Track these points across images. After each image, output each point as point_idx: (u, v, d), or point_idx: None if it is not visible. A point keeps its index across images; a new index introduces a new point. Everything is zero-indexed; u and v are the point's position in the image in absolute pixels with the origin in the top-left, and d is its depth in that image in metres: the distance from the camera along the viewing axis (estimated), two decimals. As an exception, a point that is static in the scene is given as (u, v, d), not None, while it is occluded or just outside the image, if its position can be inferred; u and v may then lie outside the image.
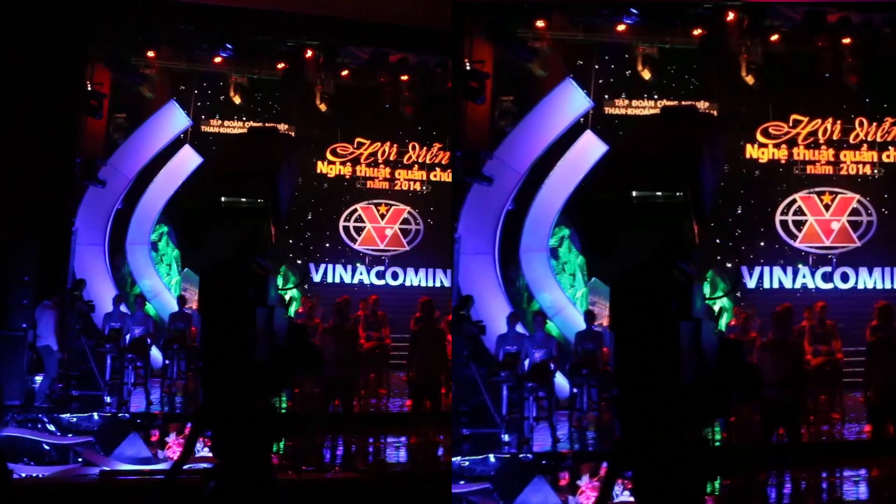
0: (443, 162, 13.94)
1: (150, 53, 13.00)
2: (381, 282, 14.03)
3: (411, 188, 14.15)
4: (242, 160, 5.61)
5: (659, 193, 4.58)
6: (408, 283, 14.07)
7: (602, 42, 11.82)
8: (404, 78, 13.25)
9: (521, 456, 9.45)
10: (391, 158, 14.11)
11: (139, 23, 12.19)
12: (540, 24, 11.37)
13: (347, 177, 14.18)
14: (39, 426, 10.49)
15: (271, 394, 5.82)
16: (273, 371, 5.24)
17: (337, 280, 14.11)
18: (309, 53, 12.95)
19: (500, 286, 11.55)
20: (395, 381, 13.06)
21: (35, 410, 10.70)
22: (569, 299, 12.00)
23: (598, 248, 4.59)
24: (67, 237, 12.06)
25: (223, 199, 5.31)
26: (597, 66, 11.97)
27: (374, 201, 14.17)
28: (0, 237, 10.96)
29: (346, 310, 11.54)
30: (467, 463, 9.42)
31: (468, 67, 10.79)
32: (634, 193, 4.54)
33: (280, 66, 13.24)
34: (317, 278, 14.09)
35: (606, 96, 12.02)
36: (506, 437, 9.96)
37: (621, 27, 11.50)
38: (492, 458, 9.43)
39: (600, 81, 11.99)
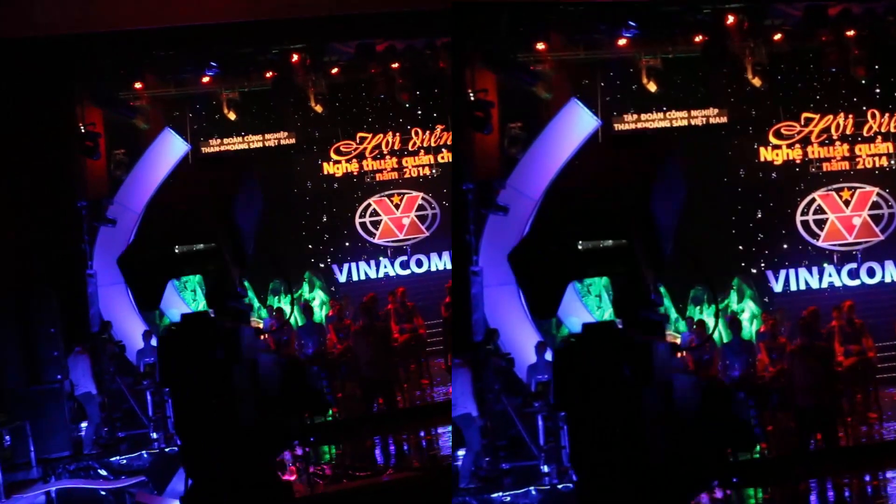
0: (448, 143, 13.65)
1: (138, 85, 12.75)
2: (407, 271, 13.84)
3: (421, 174, 13.93)
4: (191, 199, 5.20)
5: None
6: (433, 269, 13.89)
7: (605, 58, 11.58)
8: (395, 66, 12.96)
9: (560, 486, 9.37)
10: (395, 148, 13.87)
11: (120, 56, 11.95)
12: (540, 46, 11.15)
13: (355, 173, 13.97)
14: (92, 473, 10.41)
15: (277, 452, 5.44)
16: (271, 428, 4.90)
17: (362, 277, 13.93)
18: (295, 57, 12.67)
19: (527, 315, 11.17)
20: (435, 369, 12.88)
21: (85, 458, 10.59)
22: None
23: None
24: (85, 281, 11.88)
25: (176, 248, 4.89)
26: (602, 84, 11.76)
27: (386, 193, 13.96)
28: (18, 291, 10.80)
29: (374, 308, 11.32)
30: (509, 498, 9.36)
31: (472, 98, 10.56)
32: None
33: (268, 74, 12.95)
34: (342, 279, 13.90)
35: (615, 113, 11.83)
36: (545, 468, 9.79)
37: (622, 41, 11.23)
38: (533, 490, 9.40)
39: (607, 98, 11.77)
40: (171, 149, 13.11)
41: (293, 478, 9.94)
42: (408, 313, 12.31)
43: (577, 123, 11.49)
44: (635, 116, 11.91)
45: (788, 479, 9.36)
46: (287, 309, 12.76)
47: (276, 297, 13.74)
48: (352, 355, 11.96)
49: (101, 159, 12.59)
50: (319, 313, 13.45)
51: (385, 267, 13.95)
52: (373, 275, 13.89)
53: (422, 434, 11.32)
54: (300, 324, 12.38)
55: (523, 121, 11.31)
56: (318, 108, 13.58)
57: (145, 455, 10.33)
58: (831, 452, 9.43)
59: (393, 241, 13.87)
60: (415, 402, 12.00)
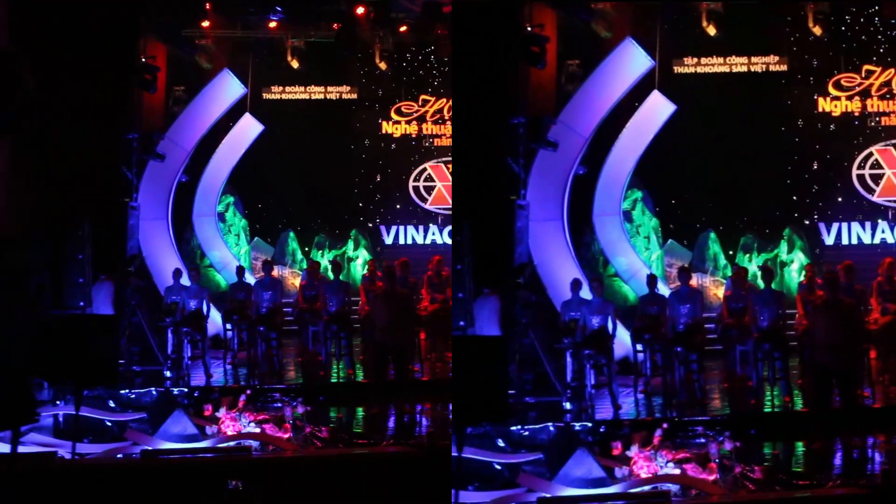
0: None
1: (205, 23, 12.53)
2: (453, 241, 13.41)
3: (480, 143, 13.42)
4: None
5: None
6: (482, 242, 13.41)
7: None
8: (461, 29, 12.35)
9: (579, 425, 9.06)
10: (458, 114, 13.34)
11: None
12: None
13: (414, 136, 13.59)
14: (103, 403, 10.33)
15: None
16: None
17: (409, 241, 13.61)
18: (360, 10, 12.23)
19: (571, 251, 11.13)
20: (464, 343, 12.41)
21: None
22: (644, 262, 11.58)
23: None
24: (122, 213, 11.80)
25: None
26: (663, 26, 11.48)
27: (443, 159, 13.53)
28: (53, 217, 10.75)
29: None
30: (527, 432, 9.06)
31: (528, 31, 10.26)
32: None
33: (335, 26, 12.58)
34: (388, 240, 13.57)
35: (675, 55, 11.59)
36: (567, 406, 9.65)
37: None
38: (551, 427, 9.08)
39: (667, 40, 11.50)
40: (228, 90, 12.92)
41: (287, 435, 9.69)
42: (441, 283, 11.86)
43: (631, 63, 11.29)
44: (695, 60, 11.70)
45: (805, 435, 9.01)
46: (324, 263, 12.47)
47: (321, 252, 13.49)
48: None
49: (159, 93, 12.48)
50: (359, 273, 13.15)
51: (433, 234, 13.56)
52: (420, 240, 13.54)
53: (438, 408, 10.91)
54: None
55: (581, 58, 11.17)
56: (383, 66, 13.22)
57: (153, 392, 10.17)
58: (849, 412, 8.76)
59: (444, 209, 13.43)
60: (436, 374, 11.56)
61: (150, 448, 9.12)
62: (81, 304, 10.72)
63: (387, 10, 12.39)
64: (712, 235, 11.71)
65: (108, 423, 10.00)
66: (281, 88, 13.40)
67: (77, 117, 11.15)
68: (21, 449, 9.42)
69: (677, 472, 8.60)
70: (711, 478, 8.57)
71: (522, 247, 10.40)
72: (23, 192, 10.51)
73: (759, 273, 10.59)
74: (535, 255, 10.66)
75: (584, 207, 11.32)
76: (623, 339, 10.42)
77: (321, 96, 13.48)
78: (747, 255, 11.64)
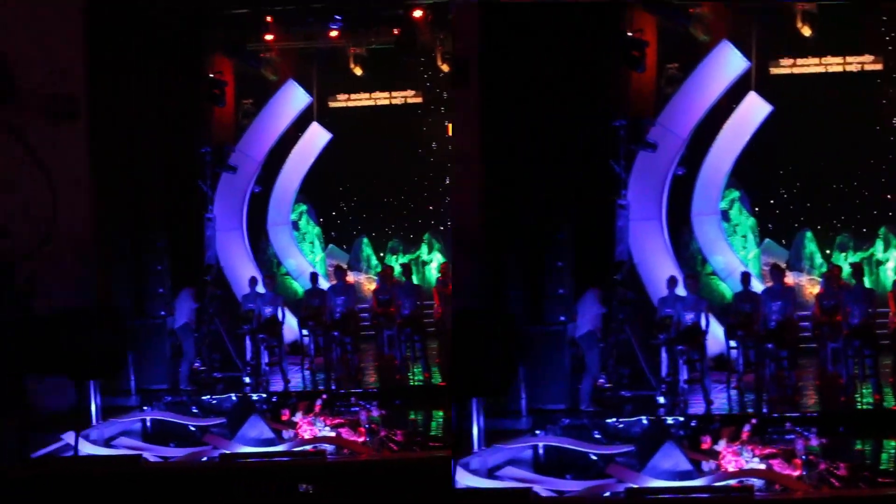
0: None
1: (268, 37, 12.78)
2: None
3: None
4: None
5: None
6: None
7: (762, 1, 11.41)
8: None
9: (671, 419, 9.34)
10: (524, 114, 13.33)
11: (250, 8, 12.00)
12: None
13: (482, 137, 13.51)
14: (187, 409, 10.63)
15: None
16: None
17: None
18: (418, 13, 12.31)
19: (669, 250, 11.41)
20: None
21: (182, 393, 10.81)
22: (741, 261, 11.61)
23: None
24: (203, 224, 12.12)
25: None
26: (759, 28, 11.51)
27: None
28: (134, 230, 11.11)
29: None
30: (622, 425, 9.37)
31: (629, 36, 10.83)
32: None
33: (395, 31, 12.68)
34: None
35: (771, 57, 11.59)
36: (661, 400, 9.87)
37: None
38: (644, 420, 9.38)
39: (763, 42, 11.53)
40: (293, 100, 13.11)
41: (362, 438, 9.80)
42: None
43: (727, 65, 11.45)
44: (790, 61, 11.59)
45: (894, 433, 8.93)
46: (398, 268, 12.54)
47: (395, 256, 13.59)
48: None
49: (229, 107, 12.77)
50: (434, 276, 13.20)
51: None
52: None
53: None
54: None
55: (680, 61, 11.38)
56: (445, 68, 13.21)
57: (233, 398, 10.42)
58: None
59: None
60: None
61: (228, 452, 9.35)
62: (162, 313, 11.05)
63: (445, 12, 12.43)
64: (809, 234, 11.61)
65: (192, 428, 10.29)
66: (346, 96, 13.54)
67: (153, 132, 11.54)
68: (109, 452, 9.85)
69: (763, 467, 8.68)
70: (796, 474, 8.60)
71: (623, 246, 10.77)
72: (104, 205, 10.92)
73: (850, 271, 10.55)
74: (635, 253, 11.00)
75: (683, 207, 11.56)
76: (718, 335, 10.53)
77: (386, 102, 13.57)
78: (843, 254, 11.45)
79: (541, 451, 9.44)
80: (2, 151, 9.62)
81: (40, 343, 6.81)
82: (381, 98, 13.59)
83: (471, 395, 7.50)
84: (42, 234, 7.11)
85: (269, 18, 12.47)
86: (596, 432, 9.41)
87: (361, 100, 13.56)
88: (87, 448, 9.63)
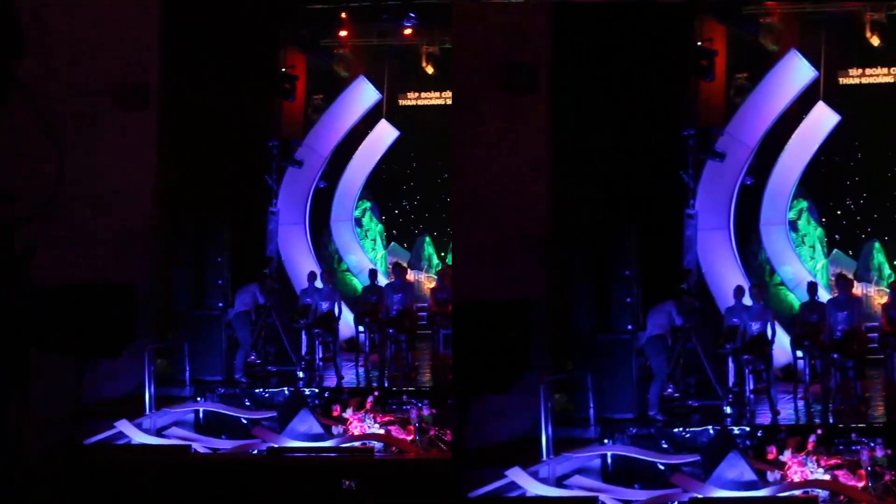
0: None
1: (342, 33, 12.75)
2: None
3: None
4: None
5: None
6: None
7: (830, 12, 11.37)
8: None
9: (737, 429, 9.22)
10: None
11: (324, 4, 11.99)
12: None
13: (550, 139, 13.29)
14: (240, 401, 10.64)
15: None
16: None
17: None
18: (490, 14, 12.11)
19: (737, 259, 11.42)
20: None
21: (235, 385, 10.83)
22: (808, 271, 11.53)
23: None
24: (266, 217, 12.14)
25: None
26: (827, 37, 11.48)
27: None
28: (198, 220, 11.16)
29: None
30: (688, 434, 9.30)
31: (699, 45, 10.99)
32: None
33: (469, 29, 12.49)
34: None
35: (839, 67, 11.55)
36: (728, 410, 9.77)
37: None
38: (710, 430, 9.28)
39: (833, 52, 11.49)
40: (363, 97, 13.09)
41: (411, 437, 9.68)
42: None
43: (795, 74, 11.45)
44: (859, 71, 11.53)
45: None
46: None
47: (457, 256, 13.46)
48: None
49: (299, 102, 12.79)
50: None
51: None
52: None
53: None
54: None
55: (749, 71, 11.46)
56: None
57: (286, 392, 10.39)
58: None
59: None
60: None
61: (276, 445, 9.32)
62: (220, 304, 11.08)
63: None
64: (877, 245, 11.42)
65: (244, 421, 10.29)
66: (416, 94, 13.47)
67: (222, 124, 11.59)
68: (160, 441, 9.92)
69: (828, 477, 8.51)
70: (861, 485, 8.42)
71: (691, 255, 10.85)
72: (171, 194, 11.01)
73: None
74: (703, 263, 11.07)
75: (751, 217, 11.54)
76: (785, 345, 10.38)
77: (456, 101, 13.44)
78: None
79: (609, 460, 9.33)
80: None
81: (42, 316, 6.66)
82: (450, 97, 13.45)
83: (467, 391, 7.21)
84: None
85: (343, 14, 12.46)
86: (663, 442, 9.30)
87: (431, 98, 13.46)
88: (139, 437, 9.71)
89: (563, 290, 10.08)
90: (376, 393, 10.26)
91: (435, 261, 13.46)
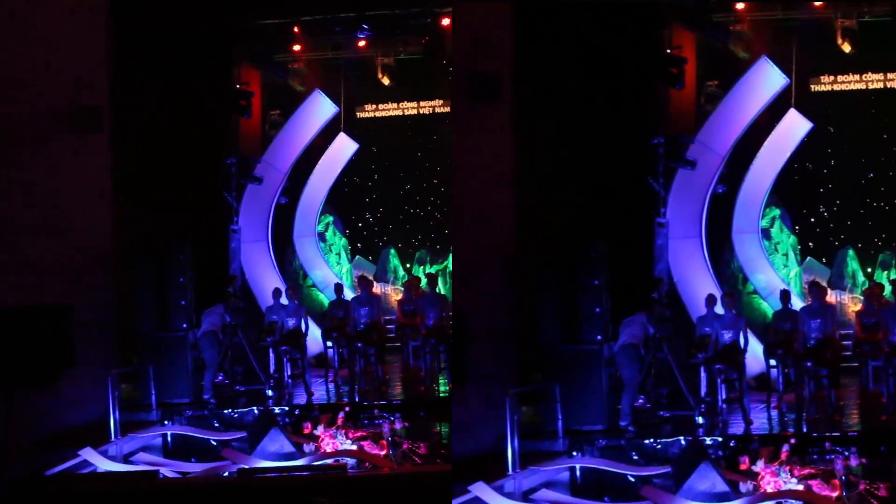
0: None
1: (296, 47, 12.61)
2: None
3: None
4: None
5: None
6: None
7: (801, 19, 11.33)
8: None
9: (710, 439, 9.06)
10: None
11: (277, 19, 11.84)
12: (739, 6, 11.21)
13: (511, 148, 13.21)
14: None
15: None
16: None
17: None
18: (446, 22, 12.05)
19: (709, 268, 11.35)
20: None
21: (202, 407, 10.58)
22: (782, 279, 11.45)
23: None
24: (228, 236, 11.92)
25: None
26: (798, 44, 11.41)
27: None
28: (156, 242, 10.93)
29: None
30: (659, 445, 9.12)
31: (667, 53, 10.84)
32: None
33: (423, 40, 12.45)
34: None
35: (810, 74, 11.49)
36: (700, 420, 9.60)
37: (818, 2, 11.04)
38: (682, 441, 9.10)
39: (804, 59, 11.43)
40: (320, 110, 12.95)
41: (385, 452, 9.50)
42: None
43: (766, 82, 11.39)
44: (831, 78, 11.46)
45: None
46: (425, 279, 12.24)
47: (422, 267, 13.32)
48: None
49: (255, 118, 12.62)
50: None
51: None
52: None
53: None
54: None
55: (720, 78, 11.37)
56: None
57: (255, 411, 10.17)
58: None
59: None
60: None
61: (246, 466, 9.10)
62: (185, 325, 10.85)
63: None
64: (850, 253, 11.40)
65: (213, 442, 10.06)
66: (374, 106, 13.35)
67: (177, 143, 11.38)
68: (127, 468, 9.65)
69: (801, 488, 8.39)
70: (835, 494, 8.31)
71: (662, 264, 10.70)
72: (126, 215, 10.78)
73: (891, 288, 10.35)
74: (675, 272, 10.94)
75: (723, 225, 11.46)
76: (758, 354, 10.28)
77: (414, 111, 13.35)
78: (886, 272, 11.18)
79: (578, 472, 9.16)
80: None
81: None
82: (408, 108, 13.37)
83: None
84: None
85: (296, 29, 12.32)
86: (633, 453, 9.14)
87: (389, 110, 13.35)
88: (104, 465, 9.43)
89: (530, 300, 9.92)
90: (347, 408, 10.09)
91: (401, 272, 13.32)
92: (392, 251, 13.39)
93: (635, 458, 9.10)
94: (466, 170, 10.02)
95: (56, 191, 9.89)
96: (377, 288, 12.70)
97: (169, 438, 10.23)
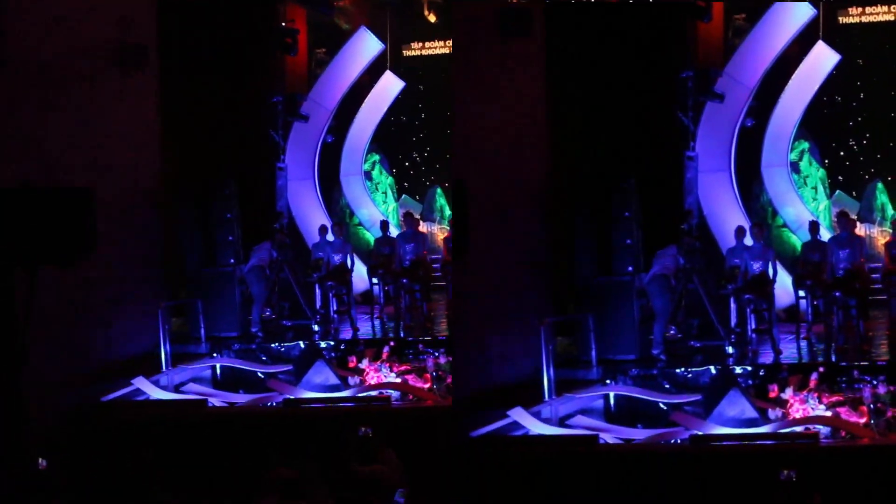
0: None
1: (341, -16, 12.49)
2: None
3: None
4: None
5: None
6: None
7: None
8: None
9: (739, 368, 9.14)
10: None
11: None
12: None
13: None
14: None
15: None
16: None
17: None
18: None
19: (738, 201, 11.28)
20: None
21: (251, 340, 10.74)
22: (811, 213, 11.35)
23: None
24: (274, 174, 11.98)
25: None
26: None
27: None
28: (204, 179, 11.03)
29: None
30: (690, 375, 9.27)
31: None
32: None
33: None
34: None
35: (839, 5, 11.27)
36: (730, 350, 9.64)
37: None
38: (712, 369, 9.22)
39: None
40: (366, 49, 12.87)
41: (427, 385, 9.57)
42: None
43: (794, 13, 11.20)
44: (859, 10, 11.17)
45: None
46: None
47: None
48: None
49: (301, 56, 12.57)
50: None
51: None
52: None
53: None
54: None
55: (747, 11, 11.22)
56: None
57: (301, 345, 10.30)
58: None
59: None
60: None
61: (292, 397, 9.24)
62: (232, 261, 10.98)
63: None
64: (880, 186, 11.25)
65: (260, 375, 10.24)
66: (420, 44, 13.23)
67: (223, 82, 11.41)
68: (178, 397, 9.89)
69: (829, 414, 8.46)
70: (863, 421, 8.36)
71: (692, 197, 10.64)
72: (173, 153, 10.88)
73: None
74: (704, 205, 10.89)
75: (752, 159, 11.35)
76: (787, 286, 10.31)
77: (461, 50, 13.17)
78: None
79: (611, 400, 9.34)
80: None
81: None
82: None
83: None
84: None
85: (342, -35, 12.21)
86: (665, 382, 9.30)
87: (436, 48, 13.21)
88: (156, 393, 9.67)
89: (564, 233, 10.05)
90: (392, 343, 10.17)
91: (447, 212, 13.28)
92: (438, 190, 13.35)
93: (667, 386, 9.25)
94: (498, 105, 9.87)
95: (103, 129, 10.02)
96: (423, 227, 12.68)
97: (218, 370, 10.47)
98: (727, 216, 11.03)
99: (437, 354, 10.06)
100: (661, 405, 9.05)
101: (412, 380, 9.90)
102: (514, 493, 8.19)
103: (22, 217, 6.09)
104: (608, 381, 9.43)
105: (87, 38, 9.94)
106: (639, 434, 8.78)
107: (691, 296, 9.91)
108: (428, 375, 9.78)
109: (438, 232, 13.21)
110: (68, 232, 6.10)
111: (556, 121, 10.03)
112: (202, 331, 10.77)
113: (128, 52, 10.20)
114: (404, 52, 13.31)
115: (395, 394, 9.68)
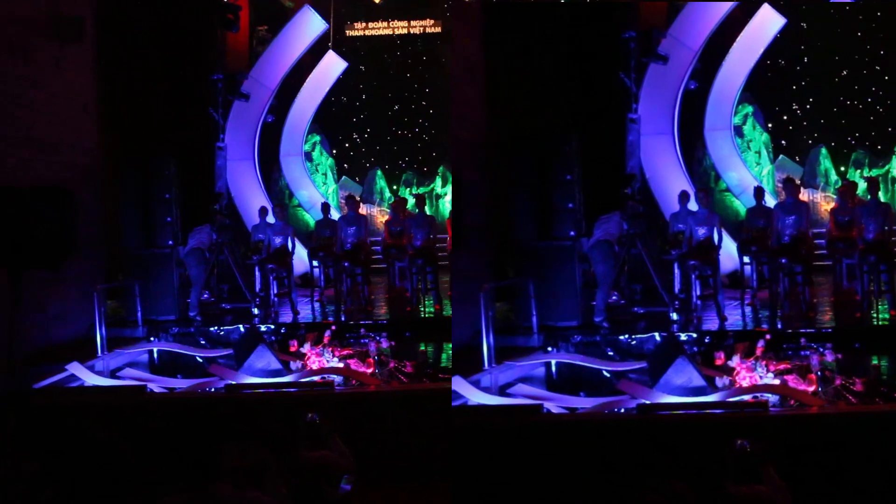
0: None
1: (285, -40, 12.24)
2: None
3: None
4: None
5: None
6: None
7: None
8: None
9: (684, 335, 8.95)
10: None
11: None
12: None
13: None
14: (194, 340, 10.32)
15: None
16: None
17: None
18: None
19: (681, 165, 11.16)
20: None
21: (189, 323, 10.49)
22: (754, 177, 11.36)
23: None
24: (211, 153, 11.69)
25: None
26: None
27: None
28: (142, 158, 10.70)
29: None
30: (634, 342, 9.05)
31: None
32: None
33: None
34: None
35: None
36: (675, 316, 9.46)
37: None
38: (657, 336, 9.01)
39: None
40: (309, 27, 12.67)
41: (371, 370, 9.48)
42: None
43: None
44: None
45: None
46: (412, 200, 12.13)
47: (409, 189, 13.18)
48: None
49: (243, 34, 12.30)
50: (447, 209, 12.80)
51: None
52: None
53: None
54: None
55: None
56: (471, -1, 12.63)
57: (241, 329, 10.10)
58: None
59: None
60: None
61: (234, 382, 9.06)
62: (170, 242, 10.71)
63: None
64: (823, 151, 11.33)
65: (199, 359, 10.00)
66: (364, 24, 13.09)
67: (163, 58, 11.07)
68: (114, 382, 9.59)
69: (777, 382, 8.29)
70: (811, 389, 8.21)
71: (634, 160, 10.43)
72: (112, 133, 10.52)
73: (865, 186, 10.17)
74: (647, 168, 10.70)
75: (695, 122, 11.27)
76: (732, 252, 10.23)
77: (405, 31, 13.07)
78: (858, 171, 11.17)
79: (553, 368, 9.03)
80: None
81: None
82: (399, 27, 13.08)
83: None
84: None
85: (286, -58, 11.96)
86: (609, 349, 9.04)
87: (379, 28, 13.08)
88: (91, 379, 9.37)
89: (503, 197, 9.72)
90: (333, 327, 10.04)
91: (387, 194, 13.19)
92: (379, 172, 13.24)
93: (610, 353, 8.99)
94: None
95: (39, 104, 9.62)
96: (363, 209, 12.56)
97: (155, 355, 10.17)
98: (670, 180, 10.92)
99: (378, 339, 9.98)
100: (605, 373, 8.75)
101: (354, 364, 9.79)
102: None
103: (2, 219, 5.79)
104: (550, 349, 9.16)
105: (20, 9, 9.53)
106: (583, 403, 8.41)
107: (634, 261, 9.66)
108: (370, 360, 9.70)
109: (378, 214, 13.11)
110: (50, 234, 5.83)
111: (494, 80, 9.69)
112: (139, 314, 10.43)
113: (61, 23, 9.82)
114: (347, 32, 13.14)
115: (337, 379, 9.57)
